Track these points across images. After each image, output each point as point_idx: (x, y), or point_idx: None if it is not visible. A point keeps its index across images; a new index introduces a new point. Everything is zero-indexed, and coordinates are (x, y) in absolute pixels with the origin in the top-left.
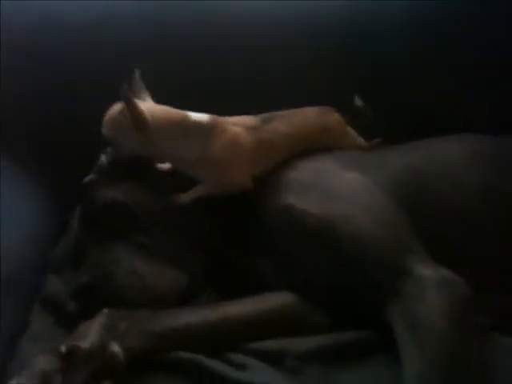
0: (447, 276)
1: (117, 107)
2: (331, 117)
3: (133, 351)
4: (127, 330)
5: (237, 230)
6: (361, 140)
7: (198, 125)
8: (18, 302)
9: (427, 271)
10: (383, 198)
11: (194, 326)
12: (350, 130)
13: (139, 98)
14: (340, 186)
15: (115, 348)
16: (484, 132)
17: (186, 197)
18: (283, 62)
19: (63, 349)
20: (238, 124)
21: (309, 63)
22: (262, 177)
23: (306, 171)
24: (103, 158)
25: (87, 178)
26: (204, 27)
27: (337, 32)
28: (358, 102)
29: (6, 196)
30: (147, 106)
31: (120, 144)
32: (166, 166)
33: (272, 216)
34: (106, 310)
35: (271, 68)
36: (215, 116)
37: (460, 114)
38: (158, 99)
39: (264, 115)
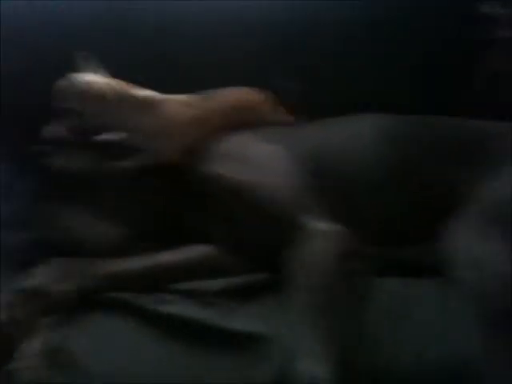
0: (336, 229)
1: (67, 78)
2: (257, 96)
3: (77, 291)
4: (73, 273)
5: (175, 192)
6: (286, 116)
7: (140, 99)
8: None
9: (321, 225)
10: (291, 167)
11: (132, 271)
12: (275, 107)
13: (89, 72)
14: (254, 156)
15: (61, 287)
16: (390, 111)
17: (127, 164)
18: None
19: (20, 286)
20: (176, 101)
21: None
22: (195, 148)
23: (229, 143)
24: (52, 128)
25: (35, 147)
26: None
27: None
28: (287, 83)
29: None
30: (94, 78)
31: (69, 112)
32: (110, 135)
33: (199, 181)
34: (54, 258)
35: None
36: (156, 93)
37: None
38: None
39: (200, 94)
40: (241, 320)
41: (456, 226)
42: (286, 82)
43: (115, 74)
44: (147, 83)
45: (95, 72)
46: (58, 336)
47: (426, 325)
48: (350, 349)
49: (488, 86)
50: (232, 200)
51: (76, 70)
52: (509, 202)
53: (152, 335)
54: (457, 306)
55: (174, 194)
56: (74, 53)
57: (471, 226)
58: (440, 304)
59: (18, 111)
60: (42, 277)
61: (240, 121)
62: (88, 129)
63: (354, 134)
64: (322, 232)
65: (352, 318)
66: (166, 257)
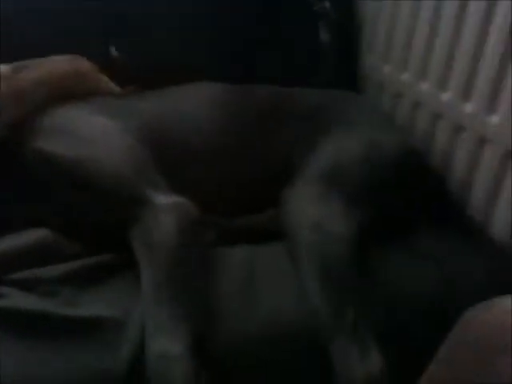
0: (179, 201)
1: None
2: (81, 63)
3: None
4: None
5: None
6: (114, 86)
7: None
8: None
9: (162, 199)
10: (127, 140)
11: None
12: (102, 76)
13: None
14: (87, 130)
15: None
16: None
17: None
18: None
19: None
20: None
21: None
22: (18, 123)
23: (57, 116)
24: None
25: None
26: None
27: None
28: (114, 52)
29: None
30: None
31: None
32: None
33: (28, 159)
34: None
35: None
36: None
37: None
38: None
39: (15, 64)
40: (86, 306)
41: (293, 190)
42: (113, 50)
43: None
44: None
45: None
46: None
47: (273, 291)
48: (204, 321)
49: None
50: (65, 178)
51: None
52: (342, 165)
53: None
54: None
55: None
56: None
57: (308, 190)
58: (284, 269)
59: None
60: None
61: (66, 91)
62: None
63: (190, 103)
64: (164, 205)
65: (203, 289)
66: None
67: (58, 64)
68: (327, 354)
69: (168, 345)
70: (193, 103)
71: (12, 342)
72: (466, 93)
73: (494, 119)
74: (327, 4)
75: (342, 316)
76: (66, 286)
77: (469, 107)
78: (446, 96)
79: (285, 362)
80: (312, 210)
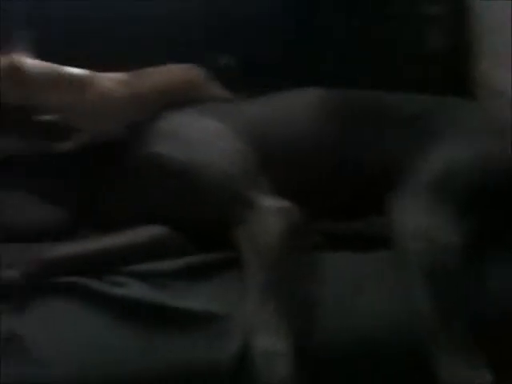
0: (285, 205)
1: None
2: (196, 72)
3: (26, 277)
4: (20, 259)
5: (107, 173)
6: (225, 93)
7: (74, 78)
8: None
9: (267, 202)
10: (236, 143)
11: (80, 255)
12: (213, 83)
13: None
14: (199, 134)
15: (11, 273)
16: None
17: (66, 145)
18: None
19: None
20: (111, 79)
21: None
22: (133, 127)
23: (172, 121)
24: None
25: None
26: None
27: None
28: (225, 59)
29: None
30: (26, 61)
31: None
32: (47, 116)
33: (140, 162)
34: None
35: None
36: (91, 71)
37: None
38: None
39: (135, 72)
40: (196, 300)
41: (401, 198)
42: (223, 58)
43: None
44: (81, 60)
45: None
46: (8, 324)
47: (377, 298)
48: (304, 323)
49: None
50: (178, 181)
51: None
52: (453, 174)
53: (106, 319)
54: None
55: (111, 174)
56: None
57: (417, 198)
58: (389, 276)
59: None
60: None
61: (179, 98)
62: (20, 111)
63: (295, 108)
64: (271, 208)
65: (306, 292)
66: (115, 239)
67: (175, 72)
68: (428, 363)
69: (273, 342)
70: (298, 108)
71: (128, 329)
72: None
73: None
74: (436, 6)
75: (451, 328)
76: (177, 279)
77: None
78: None
79: (382, 368)
80: (421, 218)
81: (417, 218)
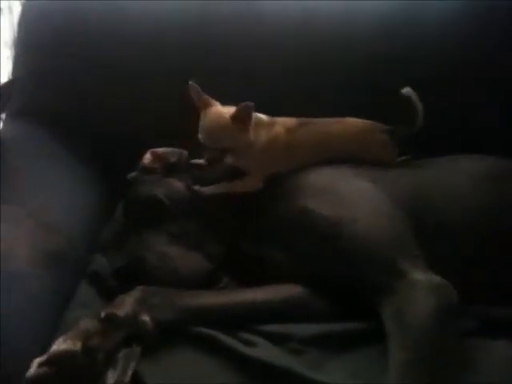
0: (437, 281)
1: (211, 115)
2: (374, 137)
3: (160, 322)
4: (157, 304)
5: (251, 223)
6: (393, 156)
7: (260, 122)
8: (69, 276)
9: (420, 275)
10: (389, 207)
11: (215, 306)
12: (390, 148)
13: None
14: (351, 193)
15: (145, 318)
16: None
17: (207, 190)
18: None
19: (103, 314)
20: (281, 124)
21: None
22: (280, 176)
23: (322, 176)
24: (146, 159)
25: (131, 175)
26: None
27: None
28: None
29: (65, 181)
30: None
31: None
32: (199, 160)
33: (287, 214)
34: (140, 287)
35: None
36: (271, 117)
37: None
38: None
39: (303, 119)
40: (334, 373)
41: None
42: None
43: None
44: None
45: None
46: (134, 368)
47: None
48: None
49: None
50: (325, 240)
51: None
52: None
53: (232, 377)
54: None
55: (249, 225)
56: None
57: None
58: None
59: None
60: (126, 306)
61: (336, 152)
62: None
63: (456, 175)
64: (423, 283)
65: (453, 379)
66: (251, 294)
67: (347, 131)
68: None
69: None
70: (459, 175)
71: None
72: None
73: None
74: None
75: None
76: (313, 347)
77: None
78: None
79: None
80: None
81: None
